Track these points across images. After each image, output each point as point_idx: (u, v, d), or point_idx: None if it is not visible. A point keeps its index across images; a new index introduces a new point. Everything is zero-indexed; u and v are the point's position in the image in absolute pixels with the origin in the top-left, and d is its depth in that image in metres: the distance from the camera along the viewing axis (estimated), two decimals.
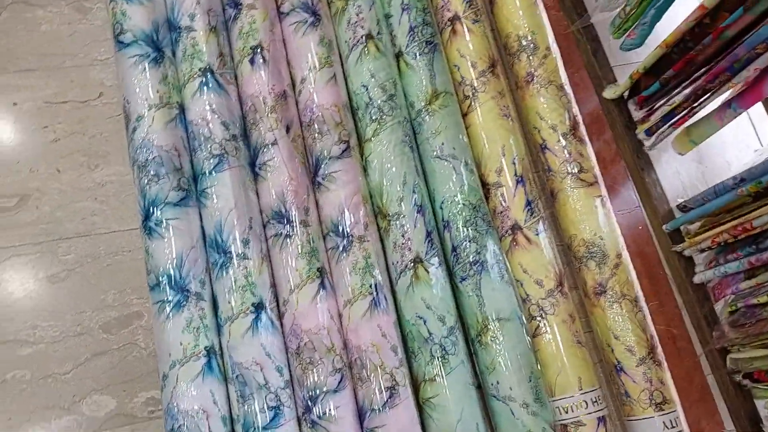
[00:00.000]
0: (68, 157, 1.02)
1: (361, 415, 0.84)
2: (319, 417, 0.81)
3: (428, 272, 0.89)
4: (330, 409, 0.82)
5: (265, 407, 0.81)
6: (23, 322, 0.92)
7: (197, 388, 0.81)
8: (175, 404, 0.80)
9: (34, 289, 0.94)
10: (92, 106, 1.06)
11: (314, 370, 0.83)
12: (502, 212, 0.97)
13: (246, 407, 0.81)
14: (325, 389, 0.82)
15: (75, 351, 0.92)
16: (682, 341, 0.92)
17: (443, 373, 0.85)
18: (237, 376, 0.82)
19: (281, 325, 0.87)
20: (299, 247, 0.88)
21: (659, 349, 0.91)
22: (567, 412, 0.88)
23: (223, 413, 0.82)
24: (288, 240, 0.88)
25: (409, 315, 0.89)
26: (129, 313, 0.95)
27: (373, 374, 0.84)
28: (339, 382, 0.83)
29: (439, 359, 0.85)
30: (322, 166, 0.93)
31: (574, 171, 1.00)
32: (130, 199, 1.00)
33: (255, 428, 0.80)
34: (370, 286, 0.87)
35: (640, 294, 0.94)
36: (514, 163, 0.98)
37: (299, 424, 0.83)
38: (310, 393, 0.82)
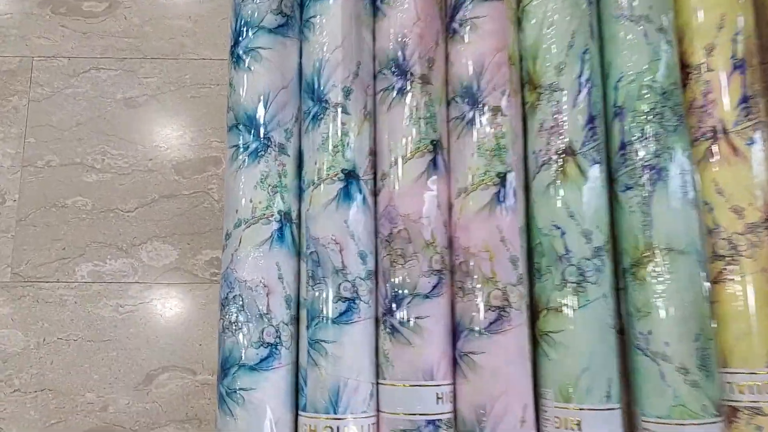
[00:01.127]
0: None
1: (455, 333, 0.66)
2: (401, 323, 0.65)
3: (581, 170, 0.67)
4: (417, 317, 0.64)
5: (339, 297, 0.65)
6: (92, 145, 0.82)
7: (263, 258, 0.66)
8: (233, 270, 0.66)
9: (109, 110, 0.82)
10: None
11: (405, 265, 0.65)
12: (702, 107, 0.71)
13: (316, 292, 0.65)
14: (415, 291, 0.65)
15: (142, 188, 0.81)
16: None
17: (576, 304, 0.64)
18: (311, 253, 0.66)
19: (374, 203, 0.70)
20: (414, 109, 0.69)
21: None
22: (743, 393, 0.64)
23: (288, 293, 0.67)
24: (401, 98, 0.69)
25: (542, 222, 0.68)
26: (206, 157, 0.82)
27: (480, 286, 0.65)
28: (434, 287, 0.65)
29: (573, 286, 0.64)
30: (463, 7, 0.72)
31: None
32: (228, 24, 0.84)
33: (323, 319, 0.65)
34: (497, 175, 0.67)
35: None
36: (734, 41, 0.71)
37: (376, 327, 0.67)
38: (396, 292, 0.65)
